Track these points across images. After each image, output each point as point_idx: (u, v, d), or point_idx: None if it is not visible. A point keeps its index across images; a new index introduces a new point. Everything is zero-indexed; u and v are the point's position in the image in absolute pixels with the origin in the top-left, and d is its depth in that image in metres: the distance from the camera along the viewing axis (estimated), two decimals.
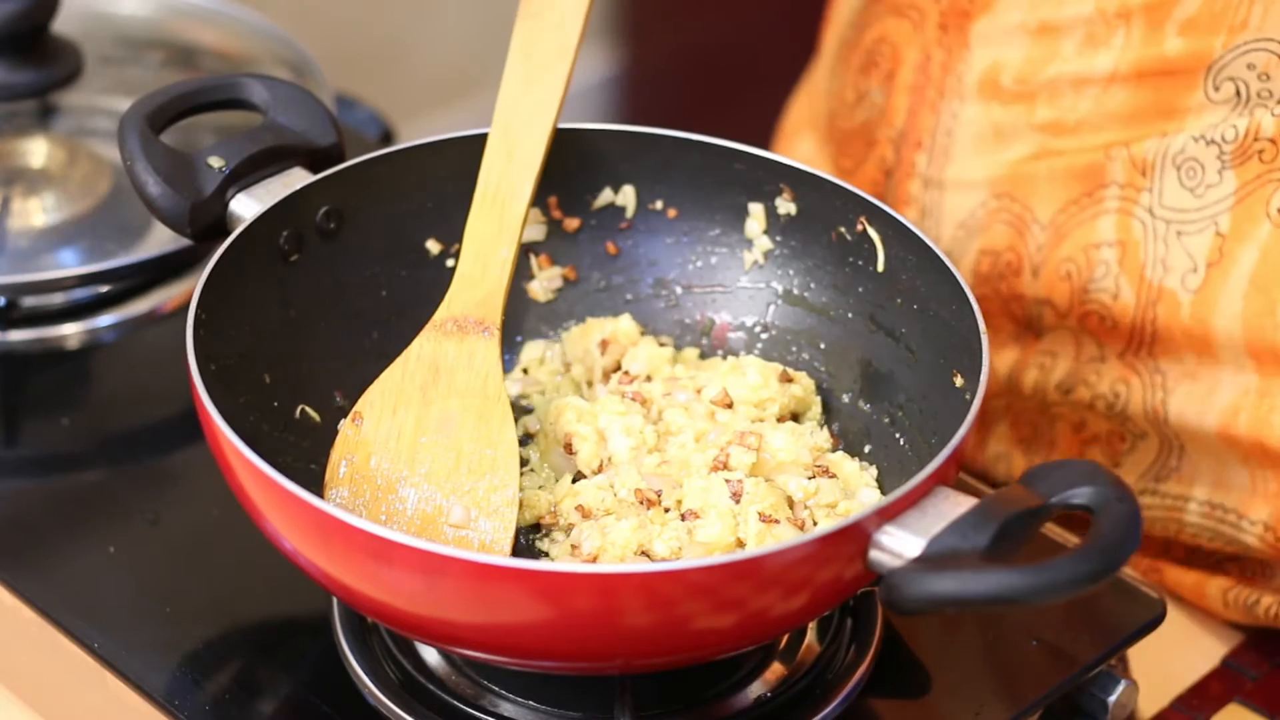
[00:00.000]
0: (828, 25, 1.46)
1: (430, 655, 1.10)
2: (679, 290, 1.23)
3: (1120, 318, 1.22)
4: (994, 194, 1.27)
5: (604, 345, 1.20)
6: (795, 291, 1.20)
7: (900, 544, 0.96)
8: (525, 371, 1.22)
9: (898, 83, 1.32)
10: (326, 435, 1.13)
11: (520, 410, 1.19)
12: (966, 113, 1.28)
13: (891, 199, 1.33)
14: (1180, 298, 1.18)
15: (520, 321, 1.23)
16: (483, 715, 1.07)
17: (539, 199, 1.22)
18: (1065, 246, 1.24)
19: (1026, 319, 1.27)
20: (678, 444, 1.13)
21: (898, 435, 1.14)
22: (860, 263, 1.17)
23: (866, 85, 1.35)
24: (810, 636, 1.12)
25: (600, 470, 1.13)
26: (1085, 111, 1.22)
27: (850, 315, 1.18)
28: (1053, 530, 1.19)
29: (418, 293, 1.19)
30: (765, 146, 1.19)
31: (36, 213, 1.40)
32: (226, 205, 1.15)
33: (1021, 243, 1.26)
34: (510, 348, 1.22)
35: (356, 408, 1.12)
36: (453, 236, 1.19)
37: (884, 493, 1.12)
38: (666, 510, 1.09)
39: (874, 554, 0.97)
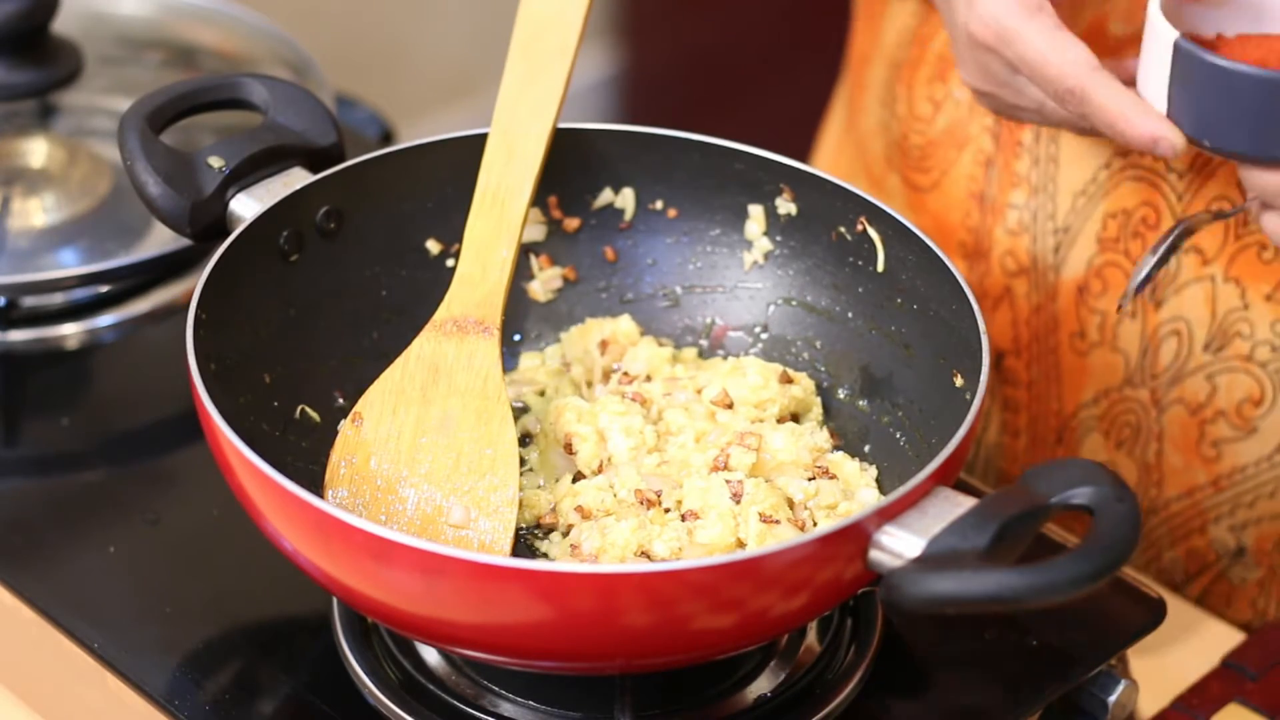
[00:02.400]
0: (856, 64, 1.45)
1: (430, 655, 1.10)
2: (679, 290, 1.23)
3: None
4: (1117, 153, 1.26)
5: (604, 345, 1.20)
6: (795, 291, 1.20)
7: (900, 544, 0.96)
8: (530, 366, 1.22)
9: None
10: (326, 435, 1.13)
11: (520, 410, 1.19)
12: None
13: (997, 185, 1.32)
14: None
15: (520, 321, 1.23)
16: (483, 715, 1.07)
17: (539, 199, 1.22)
18: (1211, 187, 1.22)
19: (1156, 281, 1.25)
20: (678, 444, 1.13)
21: (898, 435, 1.14)
22: (860, 263, 1.17)
23: (945, 89, 1.33)
24: (810, 636, 1.12)
25: (600, 470, 1.13)
26: None
27: (850, 315, 1.18)
28: (1053, 530, 1.19)
29: (418, 293, 1.19)
30: (765, 147, 1.19)
31: (36, 213, 1.40)
32: (226, 205, 1.15)
33: (1157, 195, 1.25)
34: (510, 348, 1.22)
35: (356, 408, 1.12)
36: (453, 236, 1.19)
37: (884, 493, 1.12)
38: (666, 511, 1.09)
39: (874, 554, 0.97)
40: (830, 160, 1.50)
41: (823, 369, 1.19)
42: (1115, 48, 1.23)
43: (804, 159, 1.25)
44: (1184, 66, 1.06)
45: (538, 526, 1.12)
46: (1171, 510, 1.30)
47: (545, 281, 1.23)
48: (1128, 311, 1.27)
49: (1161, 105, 1.08)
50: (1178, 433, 1.27)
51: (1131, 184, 1.25)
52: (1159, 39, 1.07)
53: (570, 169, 1.21)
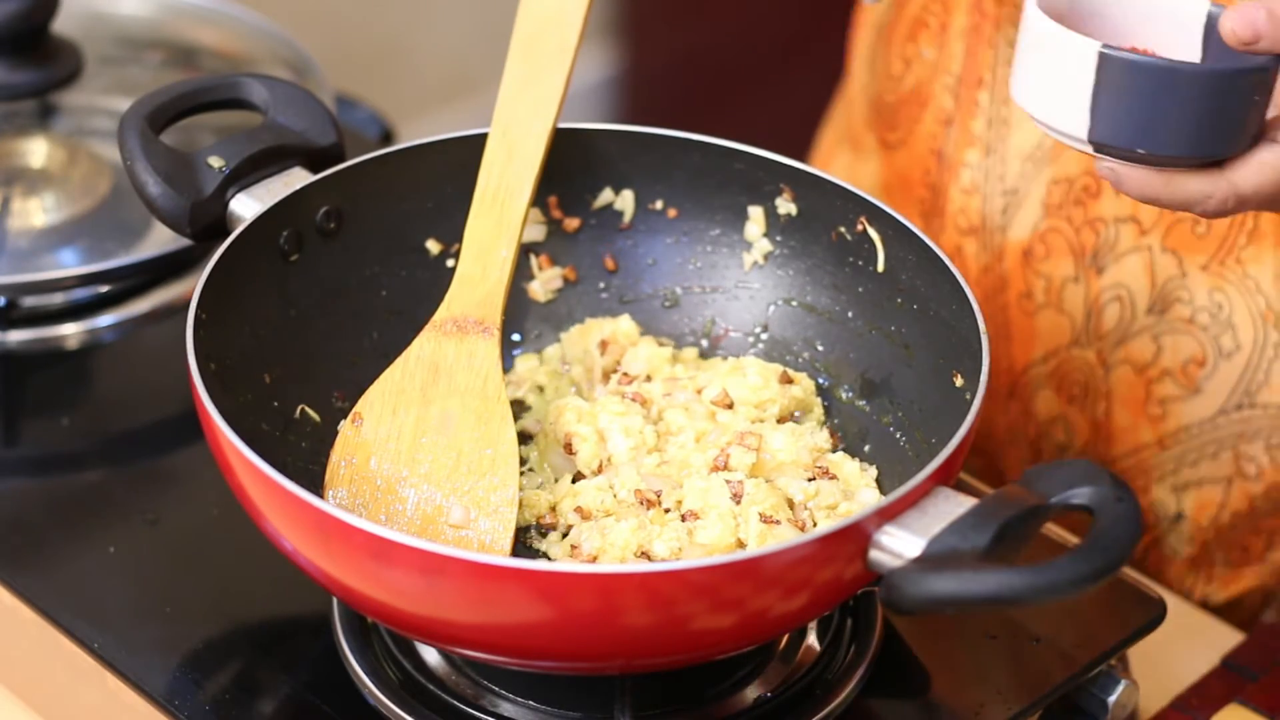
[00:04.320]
0: (854, 35, 1.47)
1: (430, 655, 1.10)
2: (679, 290, 1.23)
3: (1217, 220, 1.21)
4: None
5: (604, 345, 1.20)
6: (795, 292, 1.20)
7: (900, 544, 0.96)
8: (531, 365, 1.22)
9: (951, 31, 1.33)
10: (326, 435, 1.13)
11: (520, 410, 1.19)
12: None
13: (953, 143, 1.33)
14: None
15: (520, 321, 1.23)
16: (483, 715, 1.07)
17: (539, 199, 1.22)
18: None
19: (1095, 249, 1.27)
20: (678, 444, 1.13)
21: (898, 435, 1.14)
22: (860, 263, 1.17)
23: (915, 49, 1.36)
24: (810, 636, 1.12)
25: (600, 471, 1.13)
26: None
27: (850, 315, 1.18)
28: (1053, 530, 1.19)
29: (418, 293, 1.19)
30: (765, 146, 1.19)
31: (36, 213, 1.40)
32: (226, 205, 1.15)
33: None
34: (509, 348, 1.22)
35: (356, 408, 1.12)
36: (453, 236, 1.19)
37: (884, 493, 1.12)
38: (666, 511, 1.09)
39: (874, 554, 0.97)
40: (827, 143, 1.51)
41: (822, 369, 1.19)
42: None
43: (804, 159, 1.25)
44: (1115, 75, 1.03)
45: (538, 526, 1.12)
46: (1119, 469, 1.31)
47: (545, 281, 1.23)
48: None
49: (1081, 120, 1.04)
50: (1125, 391, 1.29)
51: (1075, 152, 1.26)
52: (1071, 52, 1.03)
53: (570, 169, 1.21)
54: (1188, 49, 1.08)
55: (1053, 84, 1.05)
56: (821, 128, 1.56)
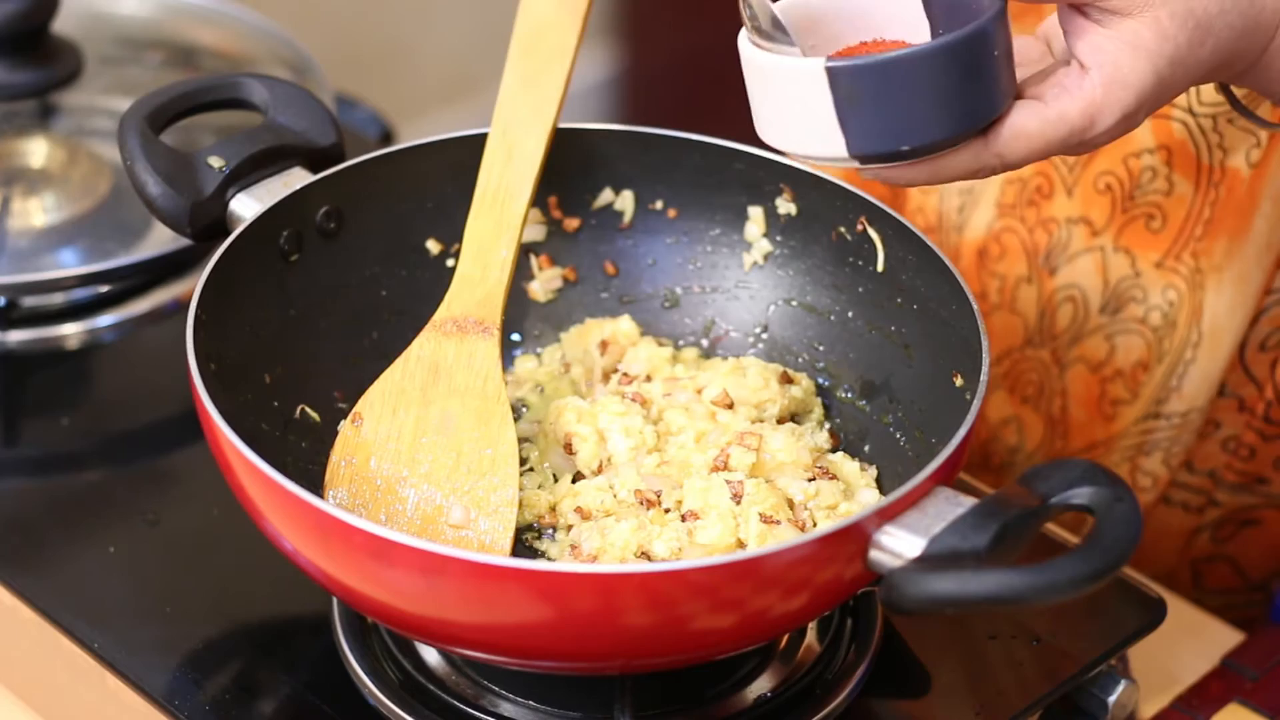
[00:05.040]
0: None
1: (430, 655, 1.10)
2: (679, 290, 1.23)
3: (1173, 213, 1.22)
4: None
5: (604, 346, 1.20)
6: (795, 292, 1.20)
7: (900, 544, 0.96)
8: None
9: None
10: (326, 435, 1.13)
11: (520, 410, 1.19)
12: None
13: None
14: (1244, 173, 1.17)
15: (520, 321, 1.23)
16: (483, 715, 1.07)
17: (539, 199, 1.22)
18: (1100, 162, 1.24)
19: (1048, 249, 1.27)
20: (678, 444, 1.13)
21: (898, 435, 1.14)
22: (860, 263, 1.17)
23: None
24: (810, 637, 1.12)
25: (600, 471, 1.13)
26: None
27: (850, 315, 1.18)
28: (1053, 530, 1.19)
29: (418, 293, 1.19)
30: (765, 147, 1.19)
31: (36, 213, 1.40)
32: (226, 205, 1.15)
33: (1050, 166, 1.26)
34: (509, 348, 1.22)
35: (356, 408, 1.12)
36: (453, 236, 1.19)
37: (884, 493, 1.12)
38: (666, 511, 1.09)
39: (874, 554, 0.97)
40: None
41: (823, 369, 1.19)
42: (1016, 15, 1.24)
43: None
44: (849, 85, 0.96)
45: (538, 526, 1.12)
46: None
47: (545, 281, 1.23)
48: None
49: (835, 140, 0.98)
50: (1081, 389, 1.29)
51: None
52: (798, 77, 0.98)
53: (570, 169, 1.21)
54: (916, 26, 1.03)
55: (794, 114, 0.99)
56: None
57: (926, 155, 0.99)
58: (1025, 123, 0.98)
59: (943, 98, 0.97)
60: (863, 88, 0.97)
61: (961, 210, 1.31)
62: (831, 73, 0.97)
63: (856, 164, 0.99)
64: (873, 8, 1.04)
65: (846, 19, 1.04)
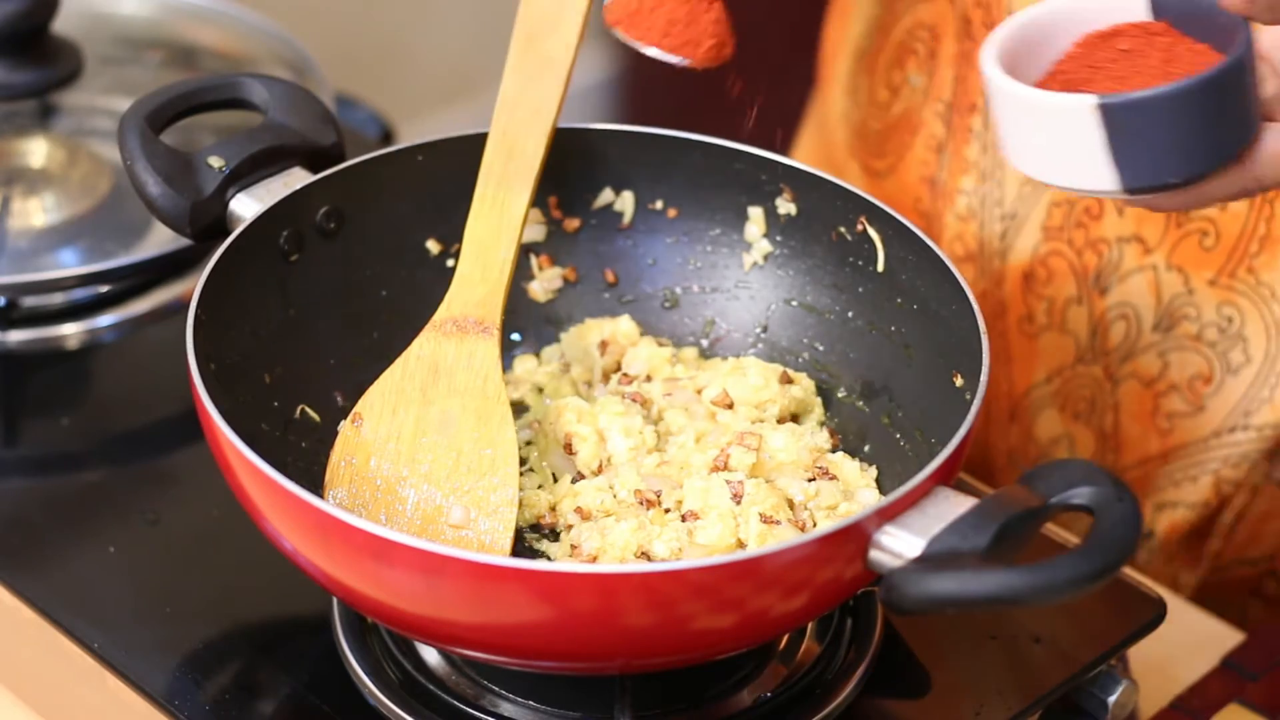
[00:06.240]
0: (827, 58, 1.46)
1: (430, 655, 1.10)
2: (679, 290, 1.23)
3: (1227, 230, 1.21)
4: None
5: (603, 346, 1.20)
6: (795, 292, 1.20)
7: (900, 544, 0.96)
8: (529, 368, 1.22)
9: (941, 57, 1.32)
10: (326, 435, 1.13)
11: (520, 410, 1.19)
12: None
13: (947, 170, 1.32)
14: None
15: (520, 321, 1.23)
16: (483, 715, 1.07)
17: (539, 199, 1.22)
18: None
19: (1098, 270, 1.26)
20: (677, 444, 1.13)
21: (898, 435, 1.14)
22: (860, 263, 1.17)
23: (902, 76, 1.35)
24: (810, 637, 1.12)
25: (600, 471, 1.13)
26: None
27: (850, 315, 1.18)
28: (1053, 530, 1.19)
29: (418, 293, 1.19)
30: (765, 147, 1.19)
31: (36, 213, 1.40)
32: (226, 205, 1.15)
33: None
34: (509, 348, 1.22)
35: (356, 408, 1.12)
36: (453, 236, 1.19)
37: (884, 493, 1.12)
38: (666, 511, 1.09)
39: (874, 554, 0.97)
40: (800, 154, 1.51)
41: (823, 369, 1.19)
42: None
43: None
44: (1122, 121, 0.96)
45: (538, 526, 1.12)
46: (1129, 477, 1.31)
47: (545, 281, 1.23)
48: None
49: (1106, 174, 0.98)
50: (1134, 404, 1.29)
51: None
52: (1067, 114, 0.97)
53: (570, 169, 1.21)
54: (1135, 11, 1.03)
55: (1059, 148, 0.99)
56: (792, 151, 1.55)
57: (1194, 183, 1.00)
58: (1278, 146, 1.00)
59: (1211, 127, 0.98)
60: (1138, 123, 0.97)
61: (1004, 236, 1.30)
62: (1105, 109, 0.96)
63: (1126, 196, 1.00)
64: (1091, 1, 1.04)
65: (1072, 22, 1.04)
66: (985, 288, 1.31)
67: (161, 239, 1.35)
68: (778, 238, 1.20)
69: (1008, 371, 1.33)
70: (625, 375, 1.18)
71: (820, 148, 1.46)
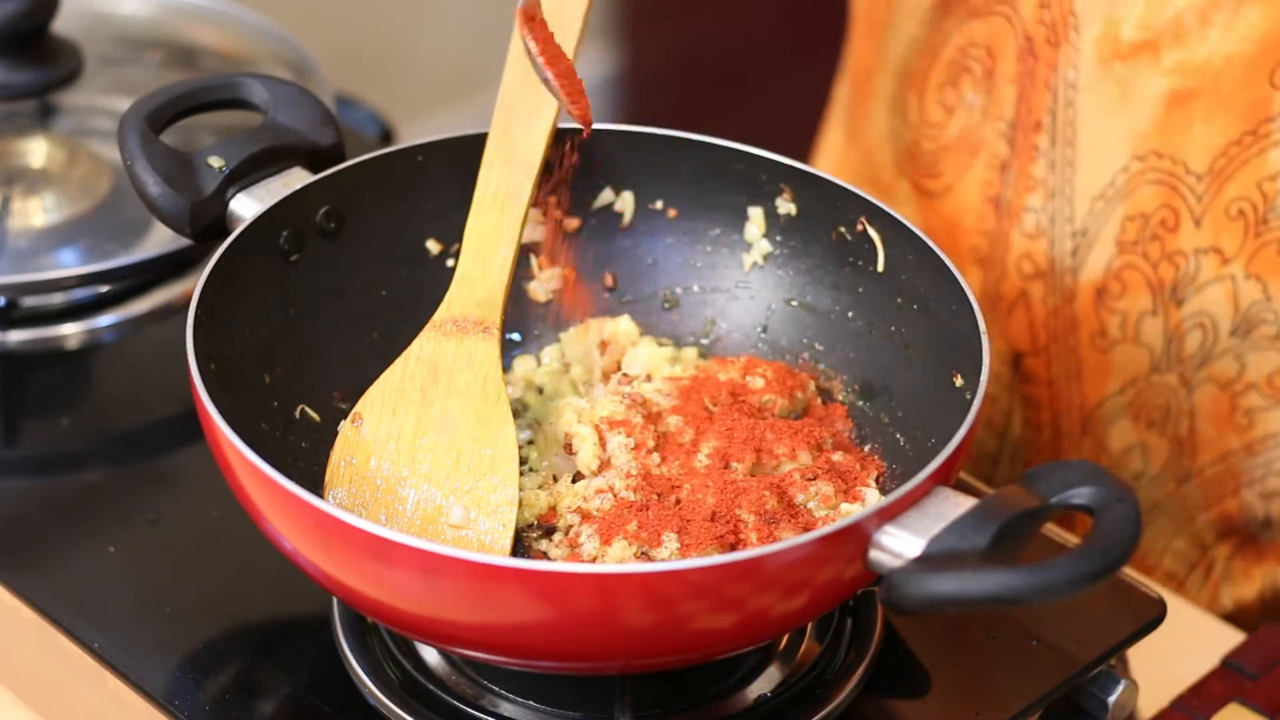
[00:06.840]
0: (857, 77, 1.45)
1: (430, 655, 1.10)
2: (679, 291, 1.23)
3: None
4: (1135, 155, 1.26)
5: (603, 346, 1.20)
6: (795, 292, 1.20)
7: (900, 544, 0.96)
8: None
9: (999, 76, 1.30)
10: (326, 435, 1.13)
11: (520, 410, 1.19)
12: (1085, 80, 1.26)
13: (1013, 189, 1.31)
14: None
15: (520, 321, 1.23)
16: (483, 715, 1.07)
17: (539, 199, 1.22)
18: (1232, 188, 1.23)
19: (1174, 282, 1.26)
20: (678, 444, 1.13)
21: (898, 435, 1.14)
22: (860, 263, 1.17)
23: (958, 95, 1.33)
24: (810, 637, 1.12)
25: (600, 471, 1.13)
26: (1215, 41, 1.21)
27: (850, 315, 1.18)
28: (1053, 530, 1.19)
29: (418, 293, 1.19)
30: (765, 146, 1.19)
31: (36, 213, 1.40)
32: (226, 205, 1.15)
33: (1176, 197, 1.25)
34: (509, 348, 1.22)
35: (356, 408, 1.12)
36: (453, 236, 1.19)
37: (884, 493, 1.12)
38: (666, 511, 1.09)
39: (874, 554, 0.97)
40: (834, 171, 1.50)
41: (823, 369, 1.19)
42: (1128, 53, 1.23)
43: (804, 162, 1.25)
44: None
45: (538, 526, 1.12)
46: (1206, 475, 1.30)
47: (545, 281, 1.23)
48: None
49: None
50: (1210, 407, 1.28)
51: (1150, 187, 1.25)
52: None
53: (570, 169, 1.21)
54: None
55: None
56: (813, 161, 1.54)
57: None
58: None
59: None
60: None
61: (1075, 253, 1.29)
62: None
63: None
64: None
65: None
66: (1056, 305, 1.31)
67: (161, 239, 1.35)
68: (778, 238, 1.20)
69: (1079, 386, 1.32)
70: (625, 375, 1.18)
71: (863, 169, 1.45)
